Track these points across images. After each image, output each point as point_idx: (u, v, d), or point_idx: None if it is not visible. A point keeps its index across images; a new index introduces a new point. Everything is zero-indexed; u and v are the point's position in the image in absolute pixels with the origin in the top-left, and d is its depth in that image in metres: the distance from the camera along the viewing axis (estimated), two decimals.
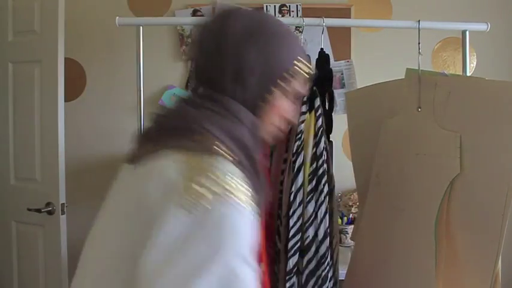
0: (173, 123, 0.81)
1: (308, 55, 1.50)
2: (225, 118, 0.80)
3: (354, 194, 2.24)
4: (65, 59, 2.01)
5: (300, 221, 1.38)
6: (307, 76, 0.90)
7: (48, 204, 1.98)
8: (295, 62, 0.86)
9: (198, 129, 0.76)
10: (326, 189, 1.40)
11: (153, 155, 0.76)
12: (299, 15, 2.50)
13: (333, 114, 1.54)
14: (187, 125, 0.78)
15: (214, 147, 0.74)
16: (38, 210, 1.97)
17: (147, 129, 0.86)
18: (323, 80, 1.48)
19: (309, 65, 0.90)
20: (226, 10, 0.87)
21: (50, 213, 1.98)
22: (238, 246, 0.69)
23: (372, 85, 1.59)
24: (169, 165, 0.73)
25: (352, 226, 2.10)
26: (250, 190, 0.74)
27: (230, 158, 0.75)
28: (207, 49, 0.85)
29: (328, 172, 1.42)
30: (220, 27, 0.84)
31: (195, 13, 2.50)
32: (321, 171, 1.40)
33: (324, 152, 1.41)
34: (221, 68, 0.82)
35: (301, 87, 0.89)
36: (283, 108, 0.88)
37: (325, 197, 1.39)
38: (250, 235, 0.71)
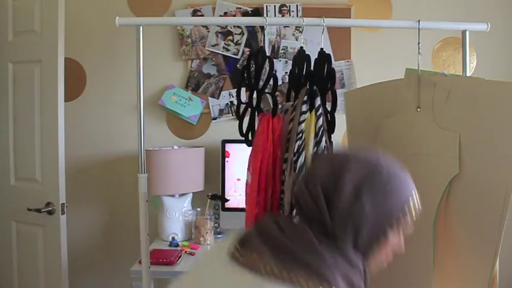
0: (307, 260, 0.80)
1: (308, 55, 1.51)
2: (348, 269, 0.81)
3: None
4: (65, 59, 2.01)
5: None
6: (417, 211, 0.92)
7: (48, 204, 1.99)
8: (407, 204, 0.89)
9: (326, 277, 0.77)
10: None
11: (270, 278, 0.77)
12: (299, 15, 2.50)
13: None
14: (324, 273, 0.78)
15: None
16: (38, 210, 1.97)
17: (266, 232, 0.86)
18: (324, 80, 1.47)
19: (418, 202, 0.92)
20: (340, 159, 0.89)
21: (50, 213, 1.98)
22: None
23: (371, 85, 1.59)
24: None
25: None
26: None
27: None
28: (321, 199, 0.85)
29: None
30: (337, 179, 0.85)
31: (195, 13, 2.51)
32: None
33: (325, 152, 1.41)
34: (340, 220, 0.83)
35: (410, 221, 0.90)
36: (394, 245, 0.90)
37: None
38: None
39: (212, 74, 2.53)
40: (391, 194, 0.86)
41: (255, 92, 1.56)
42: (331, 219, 0.84)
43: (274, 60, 2.48)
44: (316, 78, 1.47)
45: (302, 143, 1.40)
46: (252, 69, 1.59)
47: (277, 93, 2.48)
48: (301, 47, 1.54)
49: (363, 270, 0.85)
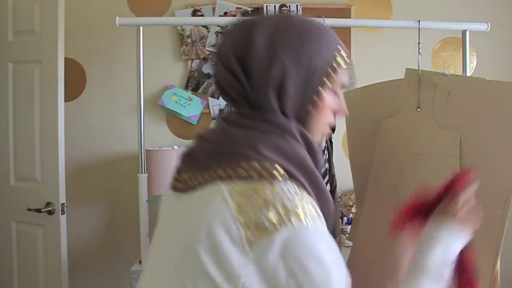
0: (222, 149, 0.75)
1: None
2: (276, 136, 0.74)
3: (354, 193, 2.24)
4: (65, 59, 2.01)
5: None
6: (348, 62, 0.84)
7: (48, 204, 1.99)
8: (336, 53, 0.80)
9: (252, 154, 0.71)
10: (328, 188, 1.40)
11: (205, 186, 0.72)
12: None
13: None
14: (239, 151, 0.72)
15: (274, 172, 0.69)
16: (38, 210, 1.97)
17: (191, 152, 0.81)
18: None
19: (346, 50, 0.83)
20: (248, 21, 0.80)
21: (50, 213, 1.98)
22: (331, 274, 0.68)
23: (371, 85, 1.59)
24: (226, 200, 0.68)
25: None
26: (318, 208, 0.72)
27: (293, 181, 0.71)
28: (235, 66, 0.77)
29: (330, 172, 1.42)
30: (247, 40, 0.76)
31: (195, 13, 2.51)
32: (322, 170, 1.40)
33: (326, 152, 1.41)
34: (259, 83, 0.76)
35: (345, 76, 0.83)
36: (332, 104, 0.82)
37: None
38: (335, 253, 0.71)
39: (212, 74, 2.53)
40: (312, 47, 0.77)
41: None
42: (252, 87, 0.76)
43: None
44: None
45: None
46: None
47: None
48: None
49: (300, 134, 0.77)
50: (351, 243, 2.02)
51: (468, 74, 1.75)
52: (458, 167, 1.25)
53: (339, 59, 0.80)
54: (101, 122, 2.56)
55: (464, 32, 1.68)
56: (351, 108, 1.65)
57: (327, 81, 0.79)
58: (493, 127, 1.21)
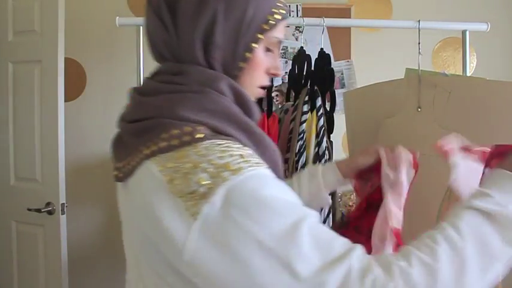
0: (141, 126, 0.69)
1: (308, 55, 1.51)
2: (197, 94, 0.68)
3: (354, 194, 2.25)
4: (65, 59, 2.01)
5: None
6: (286, 19, 0.77)
7: (48, 204, 1.98)
8: (273, 8, 0.73)
9: (170, 122, 0.65)
10: None
11: (137, 169, 0.67)
12: (299, 15, 2.50)
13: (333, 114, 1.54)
14: (157, 122, 0.66)
15: (196, 134, 0.63)
16: (38, 210, 1.97)
17: (119, 137, 0.77)
18: (324, 80, 1.48)
19: (285, 5, 0.77)
20: None
21: (50, 213, 1.97)
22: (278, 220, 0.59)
23: (371, 85, 1.59)
24: (156, 178, 0.63)
25: None
26: (256, 156, 0.65)
27: (221, 137, 0.64)
28: (165, 11, 0.71)
29: None
30: None
31: None
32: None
33: (326, 152, 1.41)
34: (186, 32, 0.70)
35: (281, 33, 0.76)
36: (265, 63, 0.76)
37: None
38: (284, 192, 0.63)
39: None
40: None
41: None
42: (178, 37, 0.70)
43: None
44: (316, 78, 1.47)
45: (303, 143, 1.40)
46: None
47: (277, 93, 2.50)
48: (302, 47, 1.54)
49: (229, 86, 0.70)
50: None
51: (468, 74, 1.75)
52: None
53: (276, 15, 0.73)
54: (101, 122, 2.56)
55: (464, 32, 1.68)
56: (350, 109, 1.66)
57: (261, 37, 0.72)
58: (494, 127, 1.21)
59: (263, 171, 0.63)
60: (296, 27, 2.49)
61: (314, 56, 1.51)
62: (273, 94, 2.50)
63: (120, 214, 0.82)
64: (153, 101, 0.69)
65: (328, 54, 1.50)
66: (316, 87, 1.43)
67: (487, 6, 2.52)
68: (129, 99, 0.76)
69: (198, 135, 0.63)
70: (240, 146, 0.65)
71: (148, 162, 0.65)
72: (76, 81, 2.53)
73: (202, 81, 0.69)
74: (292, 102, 1.53)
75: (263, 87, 0.79)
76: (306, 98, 1.42)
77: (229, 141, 0.64)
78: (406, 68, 1.49)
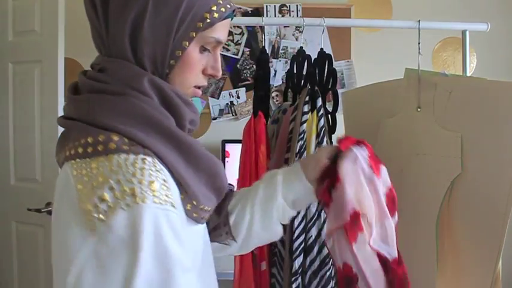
0: (67, 127, 0.68)
1: (308, 55, 1.51)
2: (118, 96, 0.64)
3: None
4: (65, 59, 2.01)
5: (304, 221, 1.38)
6: (228, 18, 0.72)
7: (48, 204, 1.98)
8: (211, 5, 0.69)
9: (87, 128, 0.63)
10: None
11: (60, 167, 0.67)
12: (299, 15, 2.50)
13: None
14: (77, 127, 0.65)
15: (109, 144, 0.60)
16: (38, 210, 1.97)
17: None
18: (325, 80, 1.47)
19: (231, 4, 0.72)
20: None
21: (50, 213, 1.97)
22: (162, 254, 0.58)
23: (370, 85, 1.59)
24: (70, 183, 0.61)
25: None
26: (169, 186, 0.62)
27: (137, 152, 0.61)
28: (94, 5, 0.69)
29: None
30: None
31: None
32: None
33: None
34: (114, 25, 0.67)
35: (221, 33, 0.71)
36: (200, 63, 0.72)
37: None
38: (174, 233, 0.60)
39: None
40: None
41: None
42: (107, 30, 0.68)
43: (274, 60, 2.49)
44: (317, 78, 1.47)
45: (304, 143, 1.40)
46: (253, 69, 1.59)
47: (277, 93, 2.50)
48: (301, 47, 1.54)
49: (153, 86, 0.66)
50: None
51: (468, 74, 1.75)
52: (460, 166, 1.25)
53: (215, 13, 0.68)
54: None
55: (464, 32, 1.68)
56: (349, 109, 1.66)
57: (194, 35, 0.68)
58: (495, 127, 1.21)
59: (166, 212, 0.60)
60: (296, 27, 2.49)
61: (314, 56, 1.51)
62: (273, 94, 2.50)
63: None
64: (77, 99, 0.67)
65: (330, 55, 1.50)
66: (316, 88, 1.43)
67: (487, 6, 2.52)
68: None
69: (112, 146, 0.60)
70: (155, 168, 0.61)
71: (66, 165, 0.64)
72: None
73: (124, 80, 0.65)
74: (290, 102, 1.52)
75: (198, 87, 0.74)
76: (307, 98, 1.42)
77: (146, 160, 0.61)
78: (406, 68, 1.49)
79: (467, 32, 1.68)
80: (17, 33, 2.11)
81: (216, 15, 0.68)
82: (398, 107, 1.44)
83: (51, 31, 1.97)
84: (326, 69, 1.48)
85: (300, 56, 1.52)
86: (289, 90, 1.56)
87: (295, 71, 1.53)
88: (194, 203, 0.67)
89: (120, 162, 0.59)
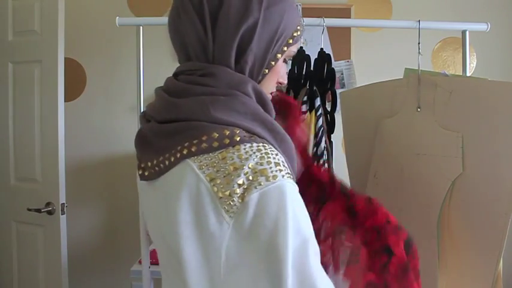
0: (176, 127, 0.71)
1: (308, 55, 1.51)
2: (226, 96, 0.72)
3: None
4: (65, 59, 2.01)
5: None
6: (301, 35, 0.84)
7: (48, 204, 1.98)
8: (298, 23, 0.81)
9: (209, 125, 0.69)
10: None
11: (173, 167, 0.70)
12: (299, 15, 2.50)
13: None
14: (195, 125, 0.69)
15: (235, 137, 0.68)
16: (38, 210, 1.97)
17: (144, 136, 0.77)
18: (324, 80, 1.47)
19: (302, 24, 0.84)
20: None
21: (50, 213, 1.97)
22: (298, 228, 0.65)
23: (368, 85, 1.59)
24: (197, 174, 0.67)
25: None
26: (287, 165, 0.70)
27: (256, 138, 0.69)
28: (207, 17, 0.74)
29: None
30: None
31: None
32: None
33: (325, 152, 1.41)
34: (225, 38, 0.74)
35: (295, 49, 0.84)
36: (280, 72, 0.83)
37: None
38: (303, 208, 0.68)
39: None
40: (285, 8, 0.77)
41: None
42: (215, 41, 0.74)
43: None
44: (316, 78, 1.47)
45: None
46: None
47: (277, 93, 2.50)
48: (301, 47, 1.54)
49: (253, 89, 0.75)
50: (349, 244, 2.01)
51: (468, 74, 1.74)
52: (461, 166, 1.25)
53: (299, 32, 0.81)
54: (101, 122, 2.56)
55: (464, 32, 1.68)
56: (347, 109, 1.66)
57: (286, 49, 0.79)
58: (496, 127, 1.21)
59: (291, 183, 0.68)
60: None
61: (314, 56, 1.51)
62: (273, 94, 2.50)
63: (144, 214, 0.84)
64: (185, 102, 0.72)
65: (329, 54, 1.50)
66: (315, 88, 1.43)
67: (487, 6, 2.52)
68: (156, 98, 0.79)
69: (237, 138, 0.68)
70: (275, 152, 0.69)
71: (188, 161, 0.68)
72: (76, 81, 2.53)
73: (231, 84, 0.73)
74: None
75: (271, 93, 0.85)
76: (305, 98, 1.42)
77: (266, 146, 0.69)
78: (406, 68, 1.49)
79: (467, 32, 1.68)
80: (17, 33, 2.11)
81: (299, 33, 0.81)
82: (398, 107, 1.44)
83: (51, 31, 1.97)
84: (325, 69, 1.48)
85: (300, 56, 1.52)
86: (291, 90, 1.56)
87: (296, 71, 1.53)
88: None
89: (247, 150, 0.67)
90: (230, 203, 0.64)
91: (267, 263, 0.63)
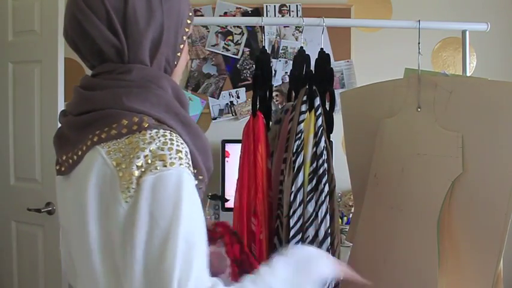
0: (90, 118, 0.74)
1: (308, 55, 1.51)
2: (140, 88, 0.75)
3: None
4: (65, 59, 2.01)
5: (301, 221, 1.38)
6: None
7: (48, 204, 1.99)
8: (190, 5, 0.84)
9: (119, 113, 0.72)
10: (327, 188, 1.39)
11: (84, 156, 0.73)
12: (299, 15, 2.50)
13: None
14: (106, 113, 0.72)
15: (143, 123, 0.70)
16: (38, 210, 1.97)
17: (61, 132, 0.81)
18: (323, 80, 1.47)
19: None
20: None
21: (50, 213, 1.98)
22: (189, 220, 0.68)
23: (368, 85, 1.59)
24: (105, 159, 0.70)
25: None
26: (189, 157, 0.73)
27: (163, 126, 0.72)
28: (114, 21, 0.75)
29: (329, 171, 1.42)
30: None
31: (194, 13, 2.50)
32: (321, 170, 1.39)
33: (325, 152, 1.41)
34: (136, 38, 0.76)
35: (191, 28, 0.86)
36: (186, 52, 0.87)
37: (325, 197, 1.39)
38: (194, 194, 0.71)
39: (212, 74, 2.53)
40: None
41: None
42: (128, 42, 0.76)
43: (274, 60, 2.49)
44: (315, 78, 1.47)
45: (301, 142, 1.40)
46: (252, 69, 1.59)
47: (277, 93, 2.50)
48: (301, 47, 1.54)
49: (169, 83, 0.79)
50: (349, 244, 2.02)
51: (468, 74, 1.75)
52: (461, 166, 1.25)
53: (190, 7, 0.85)
54: None
55: (464, 32, 1.68)
56: (347, 108, 1.66)
57: (188, 30, 0.83)
58: (495, 127, 1.21)
59: (188, 173, 0.70)
60: (296, 27, 2.49)
61: (314, 56, 1.51)
62: (273, 94, 2.50)
63: (59, 212, 0.86)
64: (100, 94, 0.75)
65: (328, 54, 1.50)
66: (314, 87, 1.43)
67: (487, 6, 2.52)
68: (73, 95, 0.80)
69: (144, 124, 0.70)
70: (180, 141, 0.72)
71: (97, 147, 0.71)
72: (76, 81, 2.52)
73: (146, 78, 0.76)
74: (292, 102, 1.53)
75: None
76: (305, 98, 1.42)
77: (173, 134, 0.72)
78: (406, 68, 1.49)
79: (467, 32, 1.68)
80: (17, 33, 2.11)
81: (192, 11, 0.84)
82: (398, 107, 1.44)
83: (51, 31, 1.97)
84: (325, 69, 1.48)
85: (301, 56, 1.52)
86: (293, 90, 1.56)
87: (296, 71, 1.53)
88: (200, 177, 0.78)
89: (152, 135, 0.70)
90: (128, 186, 0.67)
91: (157, 251, 0.65)
